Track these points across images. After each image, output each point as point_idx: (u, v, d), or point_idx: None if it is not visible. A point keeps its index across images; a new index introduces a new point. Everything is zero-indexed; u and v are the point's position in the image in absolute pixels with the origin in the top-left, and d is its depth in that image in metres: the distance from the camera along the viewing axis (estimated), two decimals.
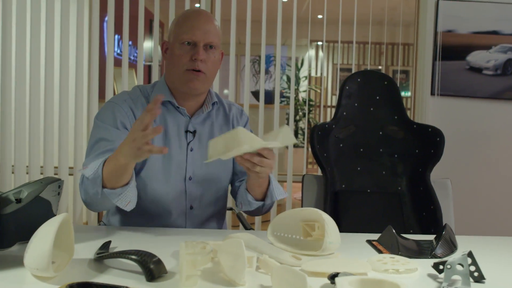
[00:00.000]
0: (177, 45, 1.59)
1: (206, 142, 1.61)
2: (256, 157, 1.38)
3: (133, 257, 1.10)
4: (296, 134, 8.36)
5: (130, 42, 5.04)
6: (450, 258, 1.08)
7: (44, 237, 1.05)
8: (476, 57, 3.04)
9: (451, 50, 3.05)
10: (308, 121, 8.12)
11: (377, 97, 2.12)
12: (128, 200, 1.41)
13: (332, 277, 1.03)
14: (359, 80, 2.13)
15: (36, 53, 2.97)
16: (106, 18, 3.54)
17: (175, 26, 1.62)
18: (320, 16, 3.51)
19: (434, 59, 3.04)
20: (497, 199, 3.11)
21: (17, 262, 1.14)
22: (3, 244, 1.23)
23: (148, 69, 5.57)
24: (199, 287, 1.05)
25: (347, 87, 2.12)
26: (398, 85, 2.16)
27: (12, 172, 2.94)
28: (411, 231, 1.97)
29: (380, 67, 8.77)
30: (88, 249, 1.27)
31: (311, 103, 8.84)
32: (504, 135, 3.09)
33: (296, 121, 8.29)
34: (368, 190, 2.08)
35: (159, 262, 1.10)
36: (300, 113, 8.37)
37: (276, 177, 3.17)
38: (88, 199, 1.45)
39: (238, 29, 3.17)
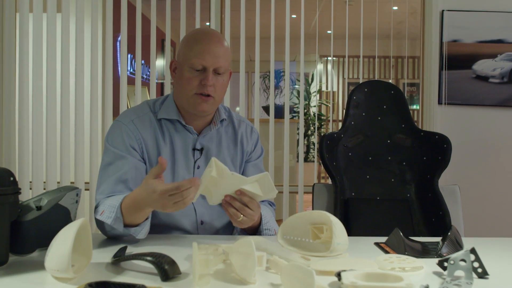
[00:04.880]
0: (186, 67, 1.57)
1: None
2: (237, 203, 1.39)
3: (148, 258, 1.14)
4: (308, 148, 8.39)
5: (143, 61, 5.14)
6: (453, 255, 1.11)
7: (64, 239, 1.10)
8: (482, 66, 3.07)
9: (457, 60, 3.08)
10: (320, 136, 8.15)
11: (384, 106, 2.16)
12: (147, 230, 1.48)
13: (339, 274, 1.07)
14: (366, 90, 2.18)
15: (52, 73, 3.06)
16: (119, 38, 3.65)
17: (185, 47, 1.59)
18: (329, 32, 3.57)
19: (441, 68, 3.08)
20: (505, 205, 3.11)
21: (38, 266, 1.19)
22: (24, 250, 1.28)
23: (160, 87, 5.67)
24: (212, 286, 1.09)
25: (354, 97, 2.16)
26: (408, 98, 2.21)
27: (30, 188, 3.02)
28: (421, 237, 1.99)
29: (390, 81, 8.80)
30: (105, 254, 1.32)
31: (322, 117, 8.89)
32: (511, 142, 3.11)
33: (307, 136, 8.33)
34: (378, 198, 2.11)
35: (173, 263, 1.14)
36: (312, 128, 8.42)
37: (287, 188, 3.21)
38: (103, 231, 1.52)
39: (248, 46, 3.24)
